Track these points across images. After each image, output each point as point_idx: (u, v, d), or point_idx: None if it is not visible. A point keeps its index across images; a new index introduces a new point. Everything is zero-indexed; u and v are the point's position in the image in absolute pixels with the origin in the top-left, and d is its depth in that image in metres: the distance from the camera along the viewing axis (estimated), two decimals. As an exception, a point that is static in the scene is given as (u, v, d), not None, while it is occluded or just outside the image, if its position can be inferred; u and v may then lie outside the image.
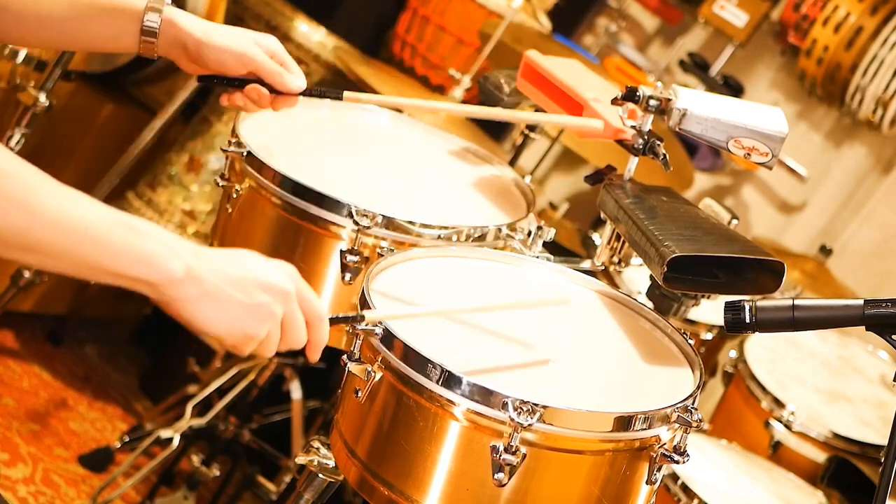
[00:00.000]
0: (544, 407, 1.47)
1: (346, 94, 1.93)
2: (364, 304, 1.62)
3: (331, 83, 3.32)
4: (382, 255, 1.86)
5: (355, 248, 1.90)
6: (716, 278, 1.84)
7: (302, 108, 2.28)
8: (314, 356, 1.50)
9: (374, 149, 2.28)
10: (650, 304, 2.16)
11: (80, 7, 1.63)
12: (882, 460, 1.60)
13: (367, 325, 1.56)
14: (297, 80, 1.81)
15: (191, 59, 1.76)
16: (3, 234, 1.22)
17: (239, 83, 1.82)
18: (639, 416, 1.54)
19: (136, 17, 1.66)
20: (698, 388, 1.65)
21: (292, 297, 1.41)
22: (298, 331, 1.44)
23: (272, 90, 1.82)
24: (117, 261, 1.28)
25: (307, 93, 1.84)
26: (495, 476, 1.50)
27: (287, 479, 2.91)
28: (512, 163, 2.51)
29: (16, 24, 1.62)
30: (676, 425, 1.58)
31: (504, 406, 1.47)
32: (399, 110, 2.34)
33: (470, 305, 1.75)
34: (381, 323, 1.57)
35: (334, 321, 1.51)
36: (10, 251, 1.25)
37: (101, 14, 1.66)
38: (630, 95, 1.96)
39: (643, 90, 1.96)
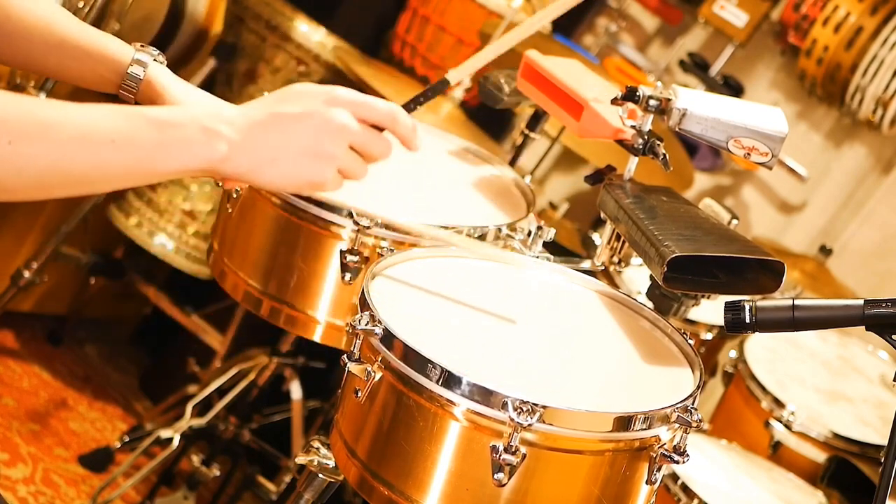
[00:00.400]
0: (544, 407, 1.47)
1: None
2: (364, 304, 1.62)
3: (331, 83, 3.31)
4: (382, 255, 1.86)
5: (355, 248, 1.90)
6: (716, 278, 1.84)
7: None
8: (412, 144, 1.46)
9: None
10: (650, 304, 2.16)
11: (68, 46, 1.59)
12: (882, 460, 1.60)
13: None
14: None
15: None
16: (38, 181, 1.21)
17: None
18: (639, 416, 1.54)
19: (120, 70, 1.61)
20: (698, 388, 1.65)
21: (344, 125, 1.36)
22: (372, 143, 1.40)
23: None
24: (157, 162, 1.27)
25: None
26: (495, 476, 1.50)
27: (287, 479, 2.91)
28: (512, 163, 2.51)
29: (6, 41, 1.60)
30: (676, 425, 1.58)
31: (504, 406, 1.47)
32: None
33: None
34: (380, 322, 1.57)
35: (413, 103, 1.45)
36: (53, 192, 1.24)
37: (86, 57, 1.61)
38: (630, 95, 1.96)
39: (643, 90, 1.96)
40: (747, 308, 1.63)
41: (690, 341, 1.77)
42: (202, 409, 2.96)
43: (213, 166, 1.31)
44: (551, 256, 2.06)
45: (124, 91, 1.63)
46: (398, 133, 1.43)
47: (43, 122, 1.21)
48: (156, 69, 1.61)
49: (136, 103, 1.66)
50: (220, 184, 2.03)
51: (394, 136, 1.44)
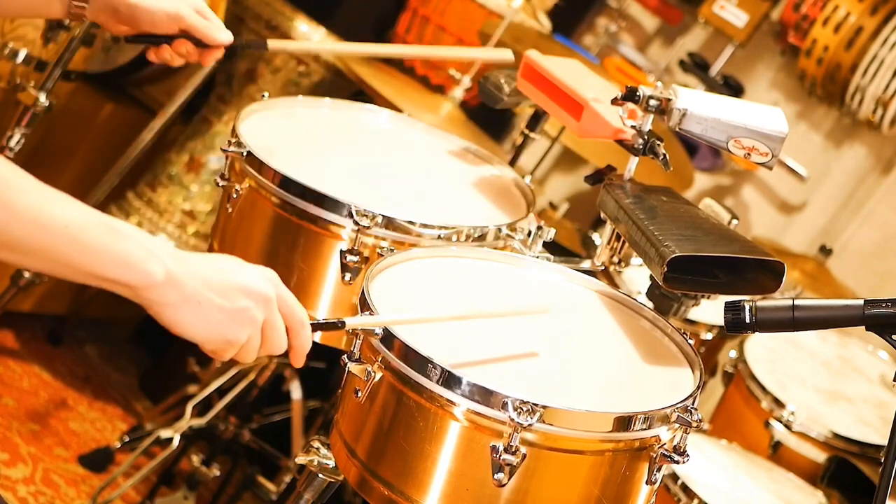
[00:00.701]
0: (544, 407, 1.47)
1: (269, 42, 1.98)
2: (364, 304, 1.62)
3: (330, 83, 3.33)
4: (382, 255, 1.86)
5: (355, 248, 1.90)
6: (716, 278, 1.84)
7: (302, 109, 2.28)
8: (297, 362, 1.47)
9: (374, 149, 2.28)
10: (650, 304, 2.16)
11: None
12: (882, 460, 1.60)
13: (346, 328, 1.55)
14: (224, 33, 1.86)
15: (121, 22, 1.78)
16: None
17: (167, 39, 1.84)
18: (639, 416, 1.54)
19: None
20: (698, 388, 1.65)
21: (273, 301, 1.40)
22: (279, 336, 1.42)
23: (199, 44, 1.85)
24: (97, 261, 1.27)
25: (233, 45, 1.87)
26: (495, 476, 1.50)
27: (287, 479, 2.91)
28: (512, 163, 2.51)
29: None
30: (676, 425, 1.58)
31: (504, 406, 1.47)
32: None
33: (452, 313, 1.72)
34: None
35: (316, 327, 1.48)
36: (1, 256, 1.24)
37: None
38: (630, 95, 1.96)
39: (643, 90, 1.96)
40: (747, 308, 1.63)
41: (690, 341, 1.77)
42: (202, 409, 2.96)
43: (145, 287, 1.31)
44: (551, 256, 2.06)
45: (77, 2, 1.67)
46: (293, 344, 1.45)
47: (10, 186, 1.22)
48: None
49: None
50: (221, 184, 2.04)
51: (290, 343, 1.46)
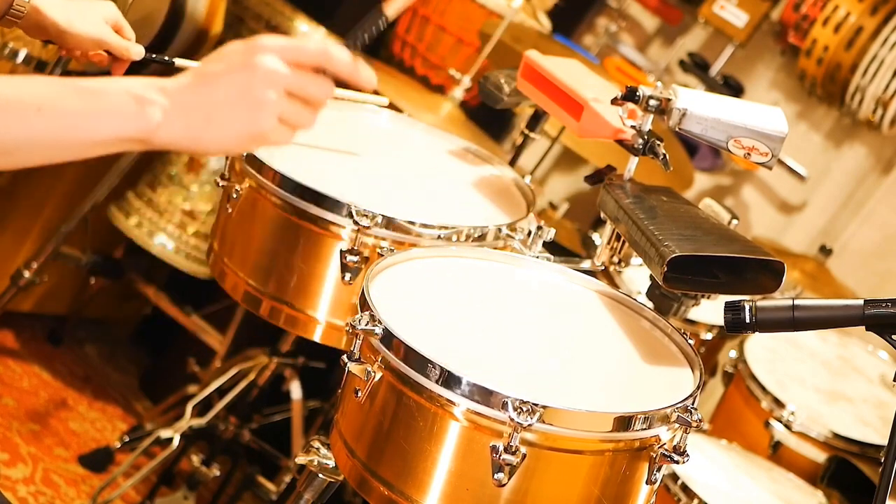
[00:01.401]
0: (544, 407, 1.47)
1: (176, 60, 2.06)
2: (364, 304, 1.62)
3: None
4: (382, 255, 1.86)
5: (355, 248, 1.90)
6: (716, 278, 1.84)
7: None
8: (369, 83, 1.35)
9: (374, 149, 2.28)
10: (650, 304, 2.16)
11: None
12: (882, 460, 1.60)
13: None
14: (135, 50, 1.97)
15: (49, 39, 1.87)
16: None
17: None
18: (639, 416, 1.54)
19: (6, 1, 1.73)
20: (698, 388, 1.65)
21: (269, 68, 1.27)
22: (311, 87, 1.30)
23: (111, 55, 1.96)
24: (96, 127, 1.23)
25: (142, 59, 2.00)
26: (495, 476, 1.50)
27: (287, 479, 2.91)
28: (512, 163, 2.51)
29: None
30: (676, 425, 1.58)
31: (504, 406, 1.47)
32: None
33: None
34: (380, 322, 1.57)
35: (354, 37, 1.34)
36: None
37: None
38: (630, 95, 1.96)
39: (643, 90, 1.96)
40: (747, 308, 1.63)
41: (690, 341, 1.77)
42: (202, 409, 2.96)
43: (147, 135, 1.25)
44: (551, 256, 2.06)
45: (11, 18, 1.75)
46: (338, 71, 1.32)
47: None
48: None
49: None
50: (221, 184, 2.04)
51: (337, 75, 1.33)
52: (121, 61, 1.98)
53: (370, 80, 1.34)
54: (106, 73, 2.01)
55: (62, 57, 2.62)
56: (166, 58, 2.08)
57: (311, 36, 3.28)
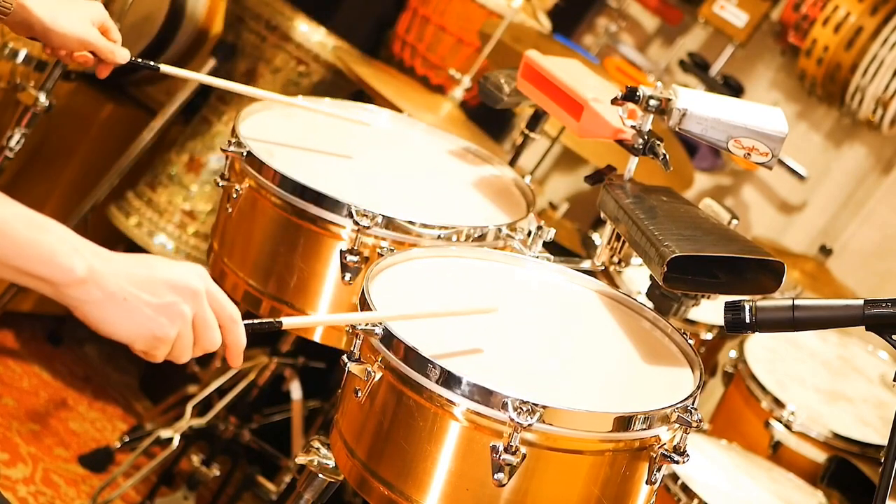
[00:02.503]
0: (544, 407, 1.47)
1: (162, 67, 2.08)
2: (364, 303, 1.62)
3: (331, 83, 3.32)
4: (382, 255, 1.86)
5: (355, 248, 1.90)
6: (716, 278, 1.84)
7: (302, 109, 2.28)
8: (234, 361, 1.42)
9: (374, 149, 2.28)
10: (650, 304, 2.16)
11: None
12: (882, 460, 1.60)
13: (282, 328, 1.52)
14: (121, 54, 1.97)
15: (35, 37, 1.89)
16: None
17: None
18: (639, 416, 1.54)
19: None
20: (698, 388, 1.65)
21: (202, 295, 1.34)
22: (212, 331, 1.37)
23: (97, 57, 1.98)
24: (17, 255, 1.24)
25: (128, 63, 2.00)
26: (495, 476, 1.50)
27: (287, 479, 2.91)
28: (512, 163, 2.51)
29: None
30: (676, 425, 1.58)
31: (504, 406, 1.47)
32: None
33: (405, 312, 1.68)
34: (380, 322, 1.57)
35: (250, 326, 1.43)
36: None
37: None
38: (630, 95, 1.96)
39: (643, 90, 1.96)
40: (747, 308, 1.63)
41: (690, 341, 1.77)
42: (202, 409, 2.96)
43: (66, 284, 1.27)
44: (551, 256, 2.06)
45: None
46: (227, 341, 1.40)
47: None
48: None
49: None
50: (221, 184, 2.04)
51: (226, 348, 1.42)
52: (105, 64, 1.99)
53: (234, 364, 1.42)
54: (92, 74, 2.02)
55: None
56: (152, 63, 2.08)
57: (311, 37, 3.28)
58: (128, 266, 1.31)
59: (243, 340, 1.40)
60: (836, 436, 2.79)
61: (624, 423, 1.53)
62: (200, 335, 1.36)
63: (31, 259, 1.25)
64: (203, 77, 2.23)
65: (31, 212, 1.26)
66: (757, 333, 2.32)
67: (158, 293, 1.31)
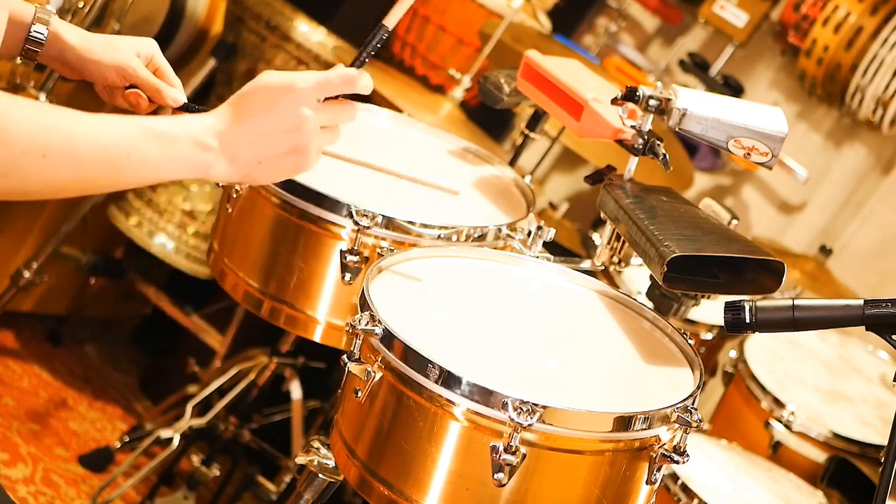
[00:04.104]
0: (544, 407, 1.47)
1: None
2: (364, 304, 1.62)
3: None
4: (382, 255, 1.86)
5: (355, 248, 1.90)
6: (716, 278, 1.84)
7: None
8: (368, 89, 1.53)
9: (374, 149, 2.28)
10: (650, 304, 2.16)
11: None
12: (882, 460, 1.60)
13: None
14: (175, 93, 1.76)
15: (73, 72, 1.76)
16: (60, 187, 1.33)
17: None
18: (639, 416, 1.54)
19: (24, 27, 1.66)
20: (698, 388, 1.65)
21: (308, 119, 1.46)
22: (335, 115, 1.50)
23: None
24: (167, 170, 1.41)
25: (181, 108, 1.77)
26: (495, 476, 1.50)
27: (287, 479, 2.91)
28: (512, 163, 2.51)
29: None
30: (676, 425, 1.58)
31: (504, 406, 1.47)
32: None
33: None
34: (380, 322, 1.57)
35: (358, 63, 1.53)
36: (70, 194, 1.37)
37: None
38: (630, 95, 1.96)
39: (643, 90, 1.96)
40: (747, 308, 1.63)
41: (690, 341, 1.77)
42: (202, 409, 2.96)
43: (205, 174, 1.44)
44: (551, 256, 2.06)
45: (29, 46, 1.66)
46: (359, 90, 1.52)
47: (72, 138, 1.34)
48: (58, 23, 1.69)
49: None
50: (220, 184, 2.04)
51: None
52: (156, 105, 1.80)
53: (367, 88, 1.53)
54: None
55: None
56: (200, 107, 1.90)
57: (310, 37, 3.28)
58: (247, 130, 1.44)
59: (363, 80, 1.51)
60: (836, 436, 2.79)
61: (624, 423, 1.53)
62: (328, 136, 1.50)
63: (175, 170, 1.41)
64: None
65: (152, 122, 1.40)
66: (757, 333, 2.32)
67: (280, 143, 1.46)
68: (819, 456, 2.78)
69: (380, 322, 1.57)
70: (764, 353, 3.02)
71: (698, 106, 1.94)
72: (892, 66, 3.53)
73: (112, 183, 1.40)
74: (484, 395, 1.49)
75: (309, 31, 3.29)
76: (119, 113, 1.49)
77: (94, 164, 1.35)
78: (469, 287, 1.84)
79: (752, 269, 1.84)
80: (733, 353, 3.03)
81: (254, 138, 1.45)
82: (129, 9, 2.92)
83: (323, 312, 1.97)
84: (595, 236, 3.43)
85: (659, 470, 1.59)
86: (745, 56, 3.99)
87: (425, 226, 1.92)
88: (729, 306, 1.64)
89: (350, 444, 1.62)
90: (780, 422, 2.81)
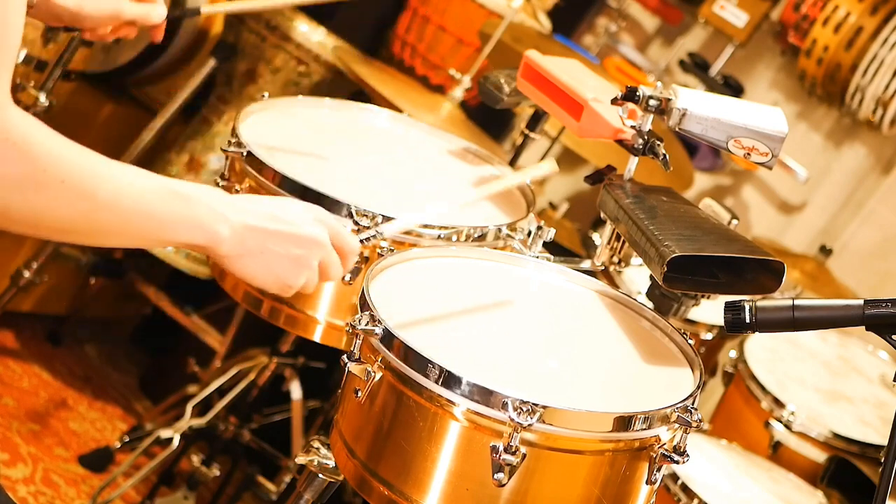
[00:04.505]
0: (544, 407, 1.47)
1: (203, 8, 2.12)
2: (364, 304, 1.62)
3: (330, 83, 3.32)
4: (382, 255, 1.86)
5: (355, 248, 1.90)
6: (716, 278, 1.84)
7: (302, 108, 2.28)
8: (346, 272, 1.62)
9: (373, 149, 2.28)
10: (650, 304, 2.15)
11: None
12: (882, 460, 1.60)
13: (380, 236, 1.72)
14: (158, 10, 1.97)
15: (66, 24, 1.89)
16: (69, 221, 1.30)
17: None
18: (639, 416, 1.54)
19: None
20: (698, 388, 1.65)
21: (326, 245, 1.53)
22: (335, 270, 1.57)
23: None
24: (170, 230, 1.39)
25: (168, 16, 1.99)
26: (495, 476, 1.50)
27: (287, 479, 2.91)
28: (512, 163, 2.51)
29: None
30: (676, 425, 1.58)
31: (504, 406, 1.47)
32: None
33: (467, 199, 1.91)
34: (380, 322, 1.57)
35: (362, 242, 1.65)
36: (73, 236, 1.34)
37: None
38: (630, 95, 1.96)
39: (643, 90, 1.96)
40: (747, 308, 1.63)
41: (690, 341, 1.77)
42: (202, 409, 2.96)
43: (213, 242, 1.44)
44: (551, 256, 2.06)
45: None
46: (345, 267, 1.61)
47: (93, 172, 1.30)
48: None
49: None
50: (221, 184, 2.04)
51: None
52: (153, 29, 1.97)
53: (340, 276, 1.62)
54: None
55: (64, 55, 2.60)
56: (190, 7, 2.05)
57: (310, 37, 3.28)
58: (264, 222, 1.48)
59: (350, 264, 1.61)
60: (836, 436, 2.79)
61: (624, 423, 1.53)
62: (325, 273, 1.56)
63: (181, 232, 1.41)
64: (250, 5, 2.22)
65: (173, 182, 1.40)
66: (757, 333, 2.32)
67: (290, 248, 1.50)
68: (819, 456, 2.78)
69: (380, 322, 1.57)
70: (764, 353, 3.02)
71: (698, 106, 1.94)
72: (892, 66, 3.53)
73: (119, 231, 1.36)
74: (484, 395, 1.49)
75: (309, 31, 3.29)
76: None
77: (107, 204, 1.32)
78: (469, 287, 1.84)
79: (752, 269, 1.84)
80: (733, 353, 3.03)
81: (269, 232, 1.48)
82: (129, 9, 2.91)
83: (323, 312, 1.97)
84: (595, 236, 3.43)
85: (659, 470, 1.59)
86: (745, 56, 3.99)
87: (425, 226, 1.92)
88: (729, 306, 1.64)
89: (350, 443, 1.62)
90: (780, 422, 2.81)
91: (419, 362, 1.52)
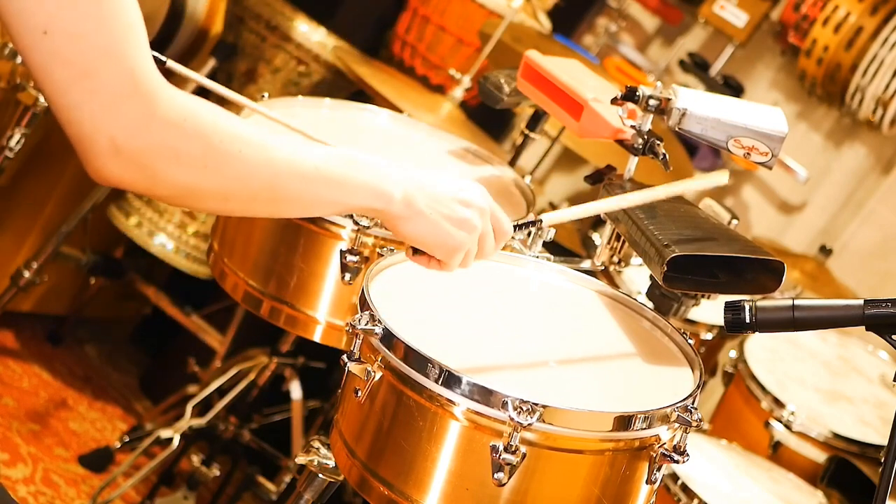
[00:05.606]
0: (544, 406, 1.47)
1: (170, 62, 2.03)
2: (364, 304, 1.62)
3: (330, 83, 3.33)
4: (382, 255, 1.86)
5: (355, 248, 1.90)
6: (716, 278, 1.84)
7: (302, 108, 2.28)
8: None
9: (373, 149, 2.28)
10: (650, 304, 2.16)
11: None
12: (882, 460, 1.60)
13: (542, 227, 1.72)
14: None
15: None
16: (256, 189, 1.33)
17: None
18: (639, 416, 1.54)
19: None
20: (698, 387, 1.65)
21: (488, 212, 1.57)
22: (489, 244, 1.59)
23: None
24: (345, 194, 1.42)
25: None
26: (495, 476, 1.50)
27: (287, 479, 2.91)
28: (512, 163, 2.51)
29: None
30: (676, 425, 1.58)
31: (504, 405, 1.47)
32: None
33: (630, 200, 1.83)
34: (380, 322, 1.57)
35: (516, 228, 1.65)
36: (258, 206, 1.37)
37: None
38: (630, 95, 1.96)
39: (643, 90, 1.96)
40: (747, 308, 1.63)
41: (690, 341, 1.77)
42: (202, 409, 2.96)
43: (386, 207, 1.47)
44: (551, 256, 2.06)
45: None
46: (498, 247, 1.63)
47: (265, 140, 1.33)
48: None
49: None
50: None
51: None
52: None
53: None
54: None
55: None
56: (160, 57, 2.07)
57: (310, 37, 3.28)
58: (431, 186, 1.52)
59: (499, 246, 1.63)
60: (836, 436, 2.79)
61: (624, 422, 1.53)
62: (482, 245, 1.58)
63: (357, 195, 1.43)
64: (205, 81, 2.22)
65: (345, 151, 1.44)
66: (757, 333, 2.32)
67: (456, 210, 1.53)
68: (819, 456, 2.78)
69: (380, 322, 1.57)
70: (764, 353, 3.02)
71: (698, 106, 1.94)
72: (892, 66, 3.53)
73: (299, 196, 1.38)
74: (484, 395, 1.49)
75: (309, 31, 3.29)
76: None
77: (285, 169, 1.34)
78: (469, 287, 1.84)
79: (752, 269, 1.84)
80: (733, 353, 3.03)
81: (436, 194, 1.51)
82: (129, 9, 2.91)
83: (323, 312, 1.97)
84: (595, 236, 3.43)
85: (659, 469, 1.59)
86: (745, 56, 3.99)
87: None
88: (729, 306, 1.64)
89: (350, 443, 1.62)
90: (780, 422, 2.81)
91: (419, 362, 1.52)
